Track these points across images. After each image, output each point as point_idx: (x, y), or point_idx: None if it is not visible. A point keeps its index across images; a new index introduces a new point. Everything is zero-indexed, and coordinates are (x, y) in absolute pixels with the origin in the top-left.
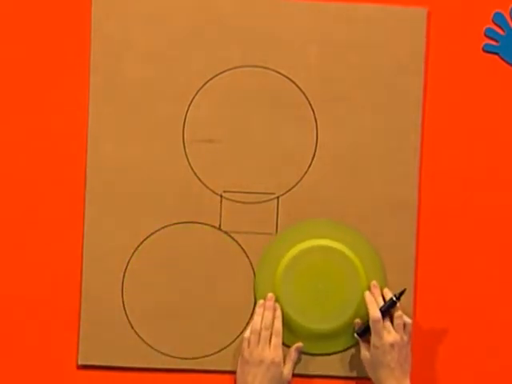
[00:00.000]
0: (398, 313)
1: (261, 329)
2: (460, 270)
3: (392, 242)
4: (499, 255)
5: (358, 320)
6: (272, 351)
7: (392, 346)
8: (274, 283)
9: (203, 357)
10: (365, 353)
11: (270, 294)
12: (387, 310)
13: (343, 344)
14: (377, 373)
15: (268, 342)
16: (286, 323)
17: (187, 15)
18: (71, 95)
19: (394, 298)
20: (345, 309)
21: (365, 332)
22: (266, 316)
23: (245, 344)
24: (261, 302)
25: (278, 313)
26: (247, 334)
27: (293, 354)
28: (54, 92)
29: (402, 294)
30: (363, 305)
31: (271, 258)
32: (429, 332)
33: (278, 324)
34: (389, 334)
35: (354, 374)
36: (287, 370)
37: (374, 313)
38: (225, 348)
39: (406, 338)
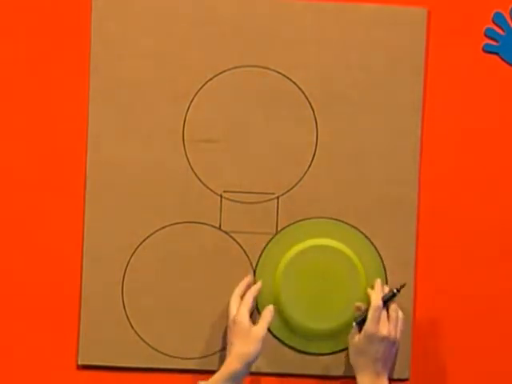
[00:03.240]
0: (393, 305)
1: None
2: (460, 269)
3: (392, 242)
4: (499, 254)
5: (358, 304)
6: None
7: (383, 339)
8: (274, 283)
9: (203, 357)
10: (354, 336)
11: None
12: (387, 301)
13: (344, 343)
14: (359, 359)
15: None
16: (287, 322)
17: (187, 15)
18: (71, 95)
19: (395, 291)
20: (345, 308)
21: (364, 321)
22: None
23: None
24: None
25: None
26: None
27: (267, 314)
28: (54, 92)
29: (402, 287)
30: (364, 304)
31: (271, 258)
32: (429, 331)
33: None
34: (383, 326)
35: (354, 374)
36: (259, 328)
37: (376, 300)
38: (225, 348)
39: (397, 334)
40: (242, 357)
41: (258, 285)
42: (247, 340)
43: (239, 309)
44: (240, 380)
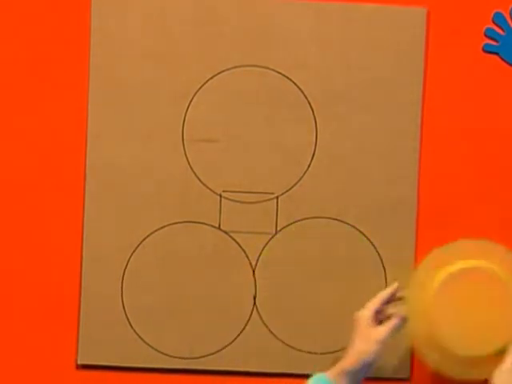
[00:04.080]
0: None
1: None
2: None
3: (392, 242)
4: None
5: None
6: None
7: None
8: (426, 307)
9: (203, 357)
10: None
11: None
12: None
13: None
14: None
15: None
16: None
17: (187, 15)
18: (71, 95)
19: None
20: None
21: None
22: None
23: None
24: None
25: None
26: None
27: (395, 320)
28: (54, 92)
29: None
30: None
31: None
32: None
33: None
34: None
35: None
36: (381, 330)
37: None
38: (225, 348)
39: None
40: (358, 354)
41: (393, 287)
42: (365, 339)
43: (364, 307)
44: (357, 380)
